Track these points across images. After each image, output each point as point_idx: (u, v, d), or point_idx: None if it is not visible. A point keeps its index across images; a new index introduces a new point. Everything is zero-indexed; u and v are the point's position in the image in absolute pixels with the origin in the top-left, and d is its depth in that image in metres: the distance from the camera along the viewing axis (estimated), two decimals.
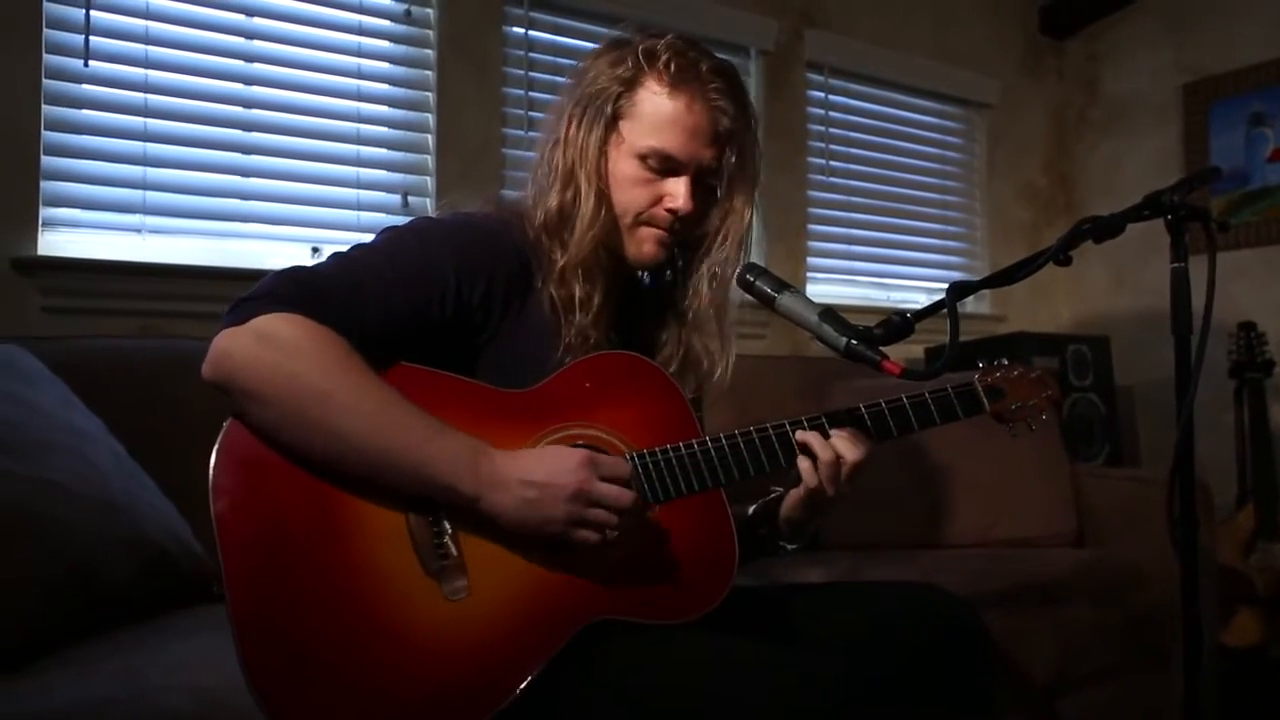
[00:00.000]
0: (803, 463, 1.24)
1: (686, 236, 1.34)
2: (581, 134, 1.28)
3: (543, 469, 1.10)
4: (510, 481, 1.09)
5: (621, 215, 1.29)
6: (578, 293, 1.25)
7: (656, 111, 1.26)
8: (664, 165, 1.27)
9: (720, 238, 1.34)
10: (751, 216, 1.36)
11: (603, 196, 1.28)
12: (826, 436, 1.23)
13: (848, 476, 1.23)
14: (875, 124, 3.49)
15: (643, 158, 1.27)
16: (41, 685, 1.13)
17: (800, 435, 1.23)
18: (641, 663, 1.09)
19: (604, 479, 1.11)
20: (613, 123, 1.28)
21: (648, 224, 1.30)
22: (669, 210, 1.28)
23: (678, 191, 1.27)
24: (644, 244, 1.31)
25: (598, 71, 1.29)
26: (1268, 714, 2.75)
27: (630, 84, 1.27)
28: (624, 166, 1.28)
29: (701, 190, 1.30)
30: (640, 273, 1.38)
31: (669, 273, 1.41)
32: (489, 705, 1.06)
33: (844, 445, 1.23)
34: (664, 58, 1.26)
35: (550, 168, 1.30)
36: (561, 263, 1.26)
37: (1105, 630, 2.19)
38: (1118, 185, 3.81)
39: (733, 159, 1.30)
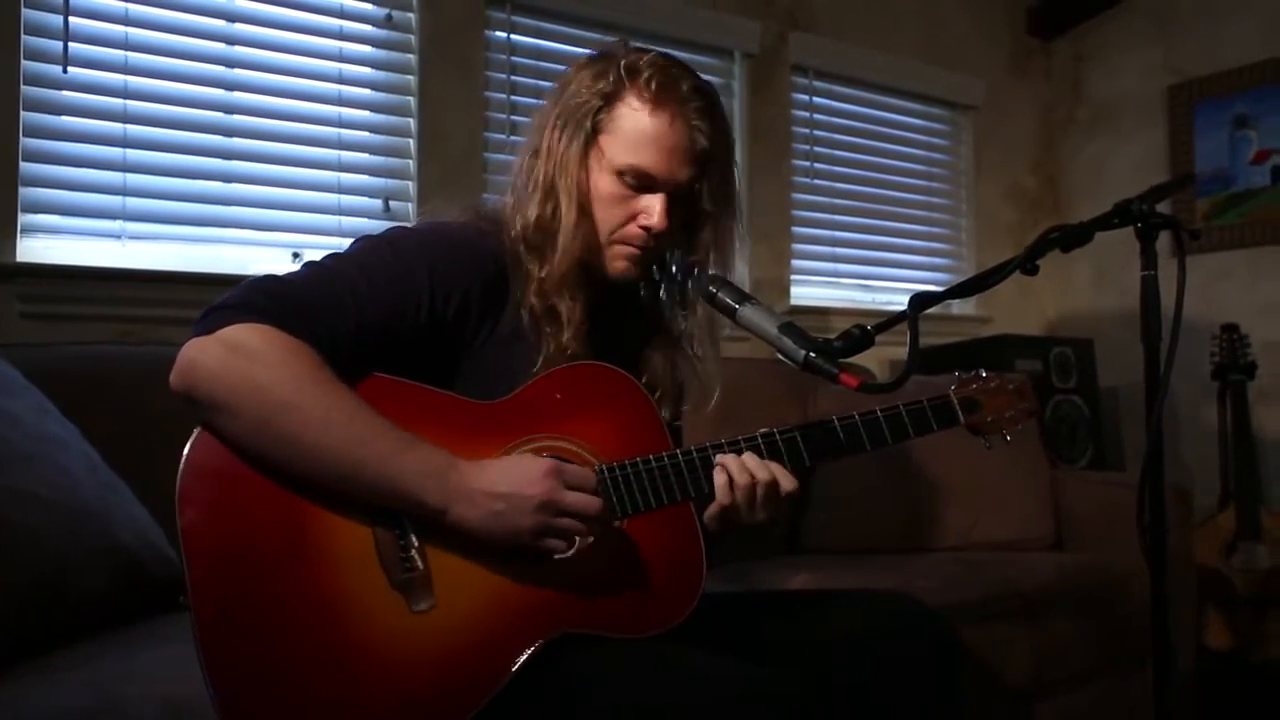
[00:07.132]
0: (719, 477, 1.21)
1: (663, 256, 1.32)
2: (562, 146, 1.26)
3: (508, 480, 1.09)
4: (477, 494, 1.09)
5: (598, 231, 1.28)
6: (560, 307, 1.25)
7: (636, 128, 1.24)
8: (641, 183, 1.25)
9: (710, 260, 1.32)
10: (735, 237, 1.35)
11: (584, 211, 1.26)
12: (775, 457, 1.24)
13: (762, 501, 1.21)
14: (860, 126, 3.49)
15: (620, 174, 1.25)
16: (11, 694, 1.13)
17: (720, 458, 1.21)
18: (603, 675, 1.09)
19: (570, 487, 1.11)
20: (592, 137, 1.26)
21: (621, 241, 1.28)
22: (643, 227, 1.26)
23: (653, 209, 1.25)
24: (616, 260, 1.29)
25: (580, 84, 1.28)
26: (1247, 716, 2.76)
27: (611, 98, 1.25)
28: (602, 182, 1.26)
29: (678, 210, 1.28)
30: (640, 290, 1.35)
31: (663, 293, 1.37)
32: (454, 718, 1.06)
33: (756, 467, 1.21)
34: (646, 74, 1.24)
35: (530, 178, 1.29)
36: (541, 275, 1.25)
37: (1083, 634, 2.20)
38: (1103, 186, 3.82)
39: (713, 181, 1.29)
